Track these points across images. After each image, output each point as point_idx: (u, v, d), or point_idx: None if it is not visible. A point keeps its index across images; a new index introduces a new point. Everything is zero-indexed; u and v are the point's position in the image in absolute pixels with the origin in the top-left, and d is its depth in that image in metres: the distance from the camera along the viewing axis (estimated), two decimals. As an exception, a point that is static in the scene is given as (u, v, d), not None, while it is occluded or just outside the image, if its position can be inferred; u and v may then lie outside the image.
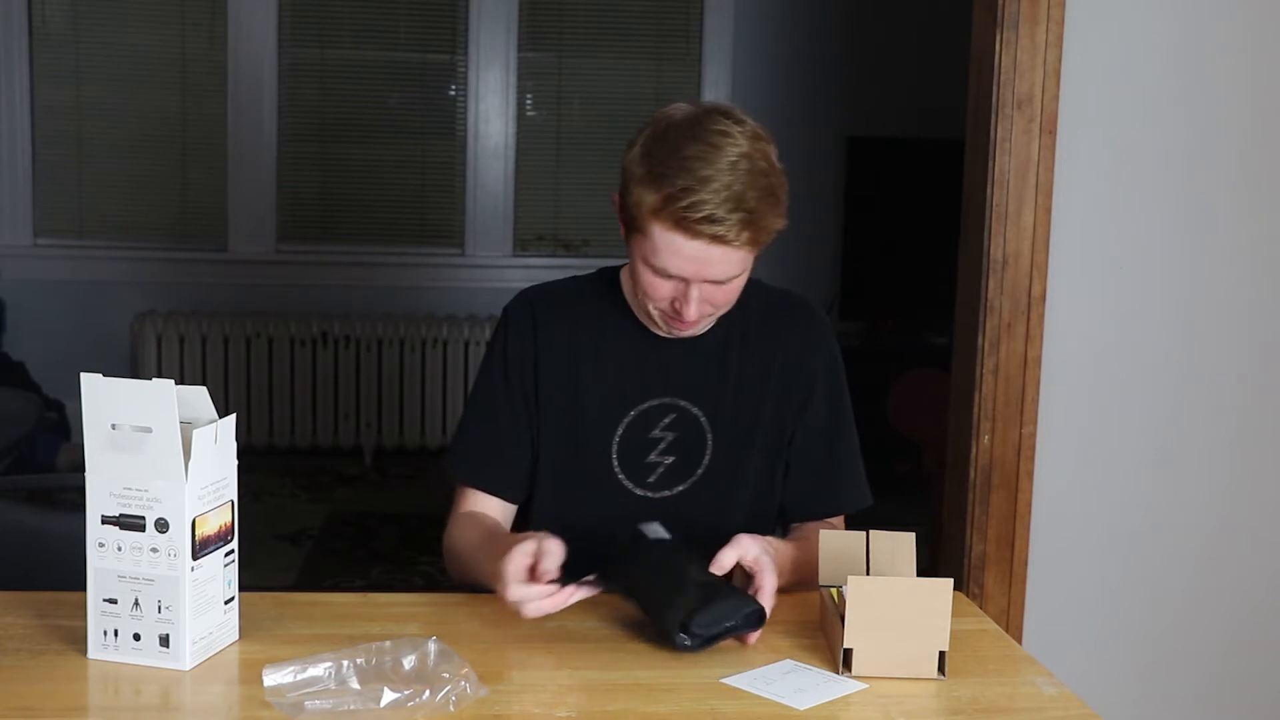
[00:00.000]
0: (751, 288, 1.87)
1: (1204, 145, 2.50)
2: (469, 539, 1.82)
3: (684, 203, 1.62)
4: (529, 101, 5.64)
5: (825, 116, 5.63)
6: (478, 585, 1.74)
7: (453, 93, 5.63)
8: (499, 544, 1.64)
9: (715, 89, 5.57)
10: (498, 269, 5.61)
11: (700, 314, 1.72)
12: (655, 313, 1.76)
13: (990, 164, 2.44)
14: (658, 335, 1.83)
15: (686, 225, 1.63)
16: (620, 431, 1.83)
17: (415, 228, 5.68)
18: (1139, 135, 2.49)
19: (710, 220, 1.62)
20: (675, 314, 1.73)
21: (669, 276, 1.69)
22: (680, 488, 1.84)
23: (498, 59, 5.54)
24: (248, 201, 5.50)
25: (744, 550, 1.60)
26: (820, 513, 1.91)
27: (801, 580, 1.73)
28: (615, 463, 1.83)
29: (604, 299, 1.87)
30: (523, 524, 1.87)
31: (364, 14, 5.54)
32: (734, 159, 1.64)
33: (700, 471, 1.84)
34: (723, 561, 1.59)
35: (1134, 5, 2.45)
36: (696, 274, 1.68)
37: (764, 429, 1.86)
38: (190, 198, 5.56)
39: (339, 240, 5.63)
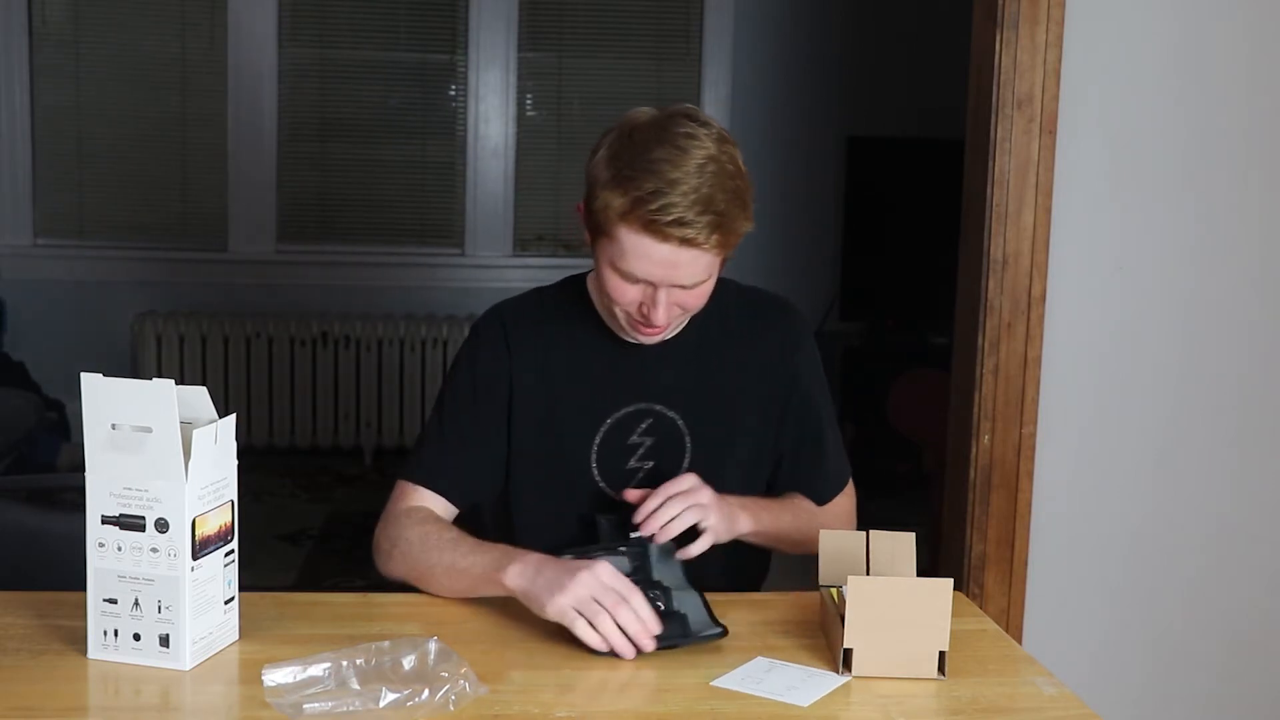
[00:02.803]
0: (725, 288, 1.86)
1: (1204, 145, 2.50)
2: (436, 533, 1.75)
3: (654, 205, 1.60)
4: (529, 101, 5.64)
5: (825, 116, 5.63)
6: (426, 582, 1.70)
7: (453, 93, 5.62)
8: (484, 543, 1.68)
9: (715, 89, 5.57)
10: (498, 269, 5.61)
11: (669, 318, 1.71)
12: (622, 317, 1.74)
13: (990, 164, 2.44)
14: (630, 341, 1.81)
15: (656, 228, 1.61)
16: (598, 440, 1.82)
17: (415, 228, 5.68)
18: (1139, 135, 2.49)
19: (680, 223, 1.60)
20: (643, 319, 1.71)
21: (636, 281, 1.68)
22: None
23: (498, 59, 5.54)
24: (248, 201, 5.50)
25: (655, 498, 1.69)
26: (822, 498, 1.93)
27: (778, 532, 1.80)
28: (595, 471, 1.82)
29: (572, 308, 1.85)
30: (506, 534, 1.85)
31: (364, 14, 5.54)
32: (701, 161, 1.62)
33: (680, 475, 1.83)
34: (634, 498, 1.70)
35: (1134, 5, 2.45)
36: (665, 278, 1.66)
37: (747, 429, 1.86)
38: (190, 198, 5.56)
39: (339, 240, 5.63)
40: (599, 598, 1.49)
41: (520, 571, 1.57)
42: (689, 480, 1.70)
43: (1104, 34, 2.44)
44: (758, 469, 1.89)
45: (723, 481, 1.83)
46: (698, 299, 1.72)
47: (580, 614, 1.49)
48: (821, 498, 1.94)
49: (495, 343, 1.84)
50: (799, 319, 1.93)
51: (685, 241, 1.62)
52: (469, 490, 1.85)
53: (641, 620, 1.49)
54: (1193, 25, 2.46)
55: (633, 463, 1.83)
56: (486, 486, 1.86)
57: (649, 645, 1.49)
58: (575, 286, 1.88)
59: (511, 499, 1.87)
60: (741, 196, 1.66)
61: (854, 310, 5.57)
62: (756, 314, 1.89)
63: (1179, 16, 2.46)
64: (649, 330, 1.74)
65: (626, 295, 1.70)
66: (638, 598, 1.50)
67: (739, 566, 1.87)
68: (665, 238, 1.62)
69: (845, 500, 1.98)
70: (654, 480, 1.81)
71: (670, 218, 1.60)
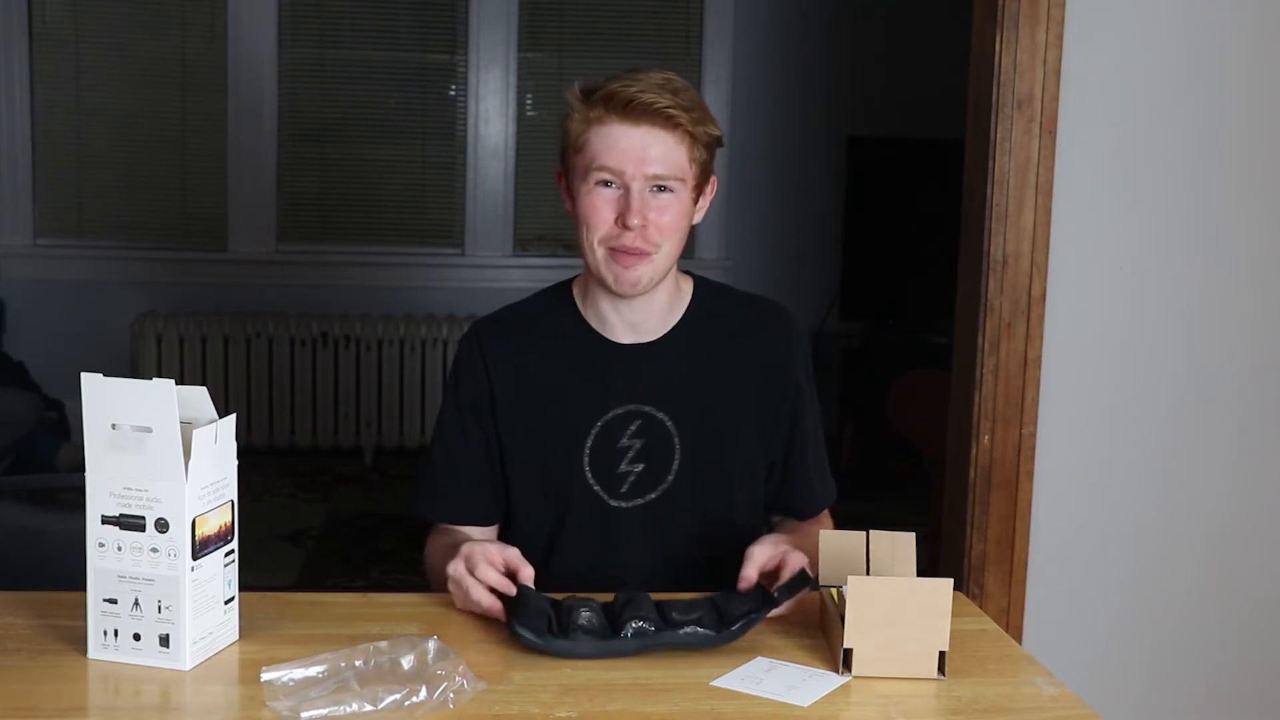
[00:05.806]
0: (722, 293, 1.88)
1: (1204, 144, 2.50)
2: (441, 542, 1.85)
3: (619, 93, 1.69)
4: (529, 101, 5.64)
5: (825, 116, 5.63)
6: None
7: (453, 93, 5.63)
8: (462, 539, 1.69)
9: (715, 89, 5.57)
10: (498, 269, 5.61)
11: (644, 224, 1.70)
12: (601, 255, 1.74)
13: (990, 164, 2.44)
14: (617, 343, 1.81)
15: (618, 107, 1.69)
16: (590, 443, 1.81)
17: (415, 228, 5.69)
18: (1139, 135, 2.49)
19: (643, 100, 1.68)
20: (620, 240, 1.71)
21: (608, 180, 1.71)
22: (652, 495, 1.82)
23: (498, 59, 5.54)
24: (248, 201, 5.50)
25: (762, 557, 1.61)
26: (811, 511, 1.93)
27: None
28: (588, 474, 1.81)
29: (559, 313, 1.85)
30: (506, 539, 1.86)
31: (364, 14, 5.54)
32: (665, 76, 1.73)
33: (671, 478, 1.81)
34: (747, 575, 1.60)
35: (1134, 5, 2.45)
36: (636, 166, 1.70)
37: (742, 433, 1.84)
38: (190, 198, 5.56)
39: (339, 240, 5.63)
40: (458, 579, 1.58)
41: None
42: (774, 543, 1.65)
43: (1104, 34, 2.44)
44: (753, 475, 1.87)
45: (712, 485, 1.83)
46: (673, 219, 1.73)
47: (455, 591, 1.60)
48: (806, 513, 1.93)
49: (473, 363, 1.85)
50: (797, 325, 1.92)
51: (651, 115, 1.68)
52: (480, 513, 1.88)
53: (493, 568, 1.57)
54: (1193, 24, 2.46)
55: (624, 466, 1.81)
56: (498, 504, 1.88)
57: (504, 584, 1.56)
58: (560, 291, 1.87)
59: (510, 506, 1.88)
60: (705, 107, 1.74)
61: (854, 310, 5.57)
62: (755, 318, 1.88)
63: (1179, 16, 2.46)
64: (628, 257, 1.72)
65: (601, 213, 1.72)
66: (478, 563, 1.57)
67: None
68: (627, 115, 1.69)
69: (827, 517, 1.97)
70: (644, 484, 1.81)
71: (631, 94, 1.69)
